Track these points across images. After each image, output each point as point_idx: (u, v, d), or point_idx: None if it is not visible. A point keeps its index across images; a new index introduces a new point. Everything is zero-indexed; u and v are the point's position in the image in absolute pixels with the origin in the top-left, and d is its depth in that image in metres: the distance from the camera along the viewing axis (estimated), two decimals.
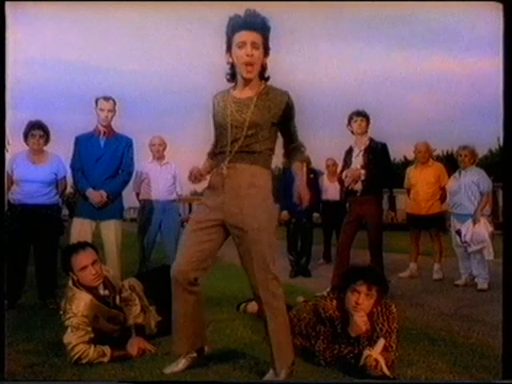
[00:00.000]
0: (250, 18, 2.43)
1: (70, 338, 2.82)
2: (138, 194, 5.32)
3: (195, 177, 2.62)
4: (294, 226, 6.39)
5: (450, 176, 5.77)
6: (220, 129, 2.56)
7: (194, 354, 2.69)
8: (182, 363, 2.66)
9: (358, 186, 4.70)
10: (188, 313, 2.62)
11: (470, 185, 5.30)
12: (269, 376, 2.52)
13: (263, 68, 2.51)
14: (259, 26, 2.44)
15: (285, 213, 6.40)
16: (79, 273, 2.92)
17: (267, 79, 2.56)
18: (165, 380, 2.61)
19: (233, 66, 2.51)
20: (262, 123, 2.49)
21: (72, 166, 4.32)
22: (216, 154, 2.62)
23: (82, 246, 3.04)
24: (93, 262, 2.94)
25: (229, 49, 2.50)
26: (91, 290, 2.94)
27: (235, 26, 2.45)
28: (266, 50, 2.49)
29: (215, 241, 2.56)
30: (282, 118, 2.53)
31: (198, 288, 2.60)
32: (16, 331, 3.36)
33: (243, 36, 2.42)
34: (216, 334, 3.08)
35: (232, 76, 2.55)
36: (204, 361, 2.74)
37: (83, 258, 2.93)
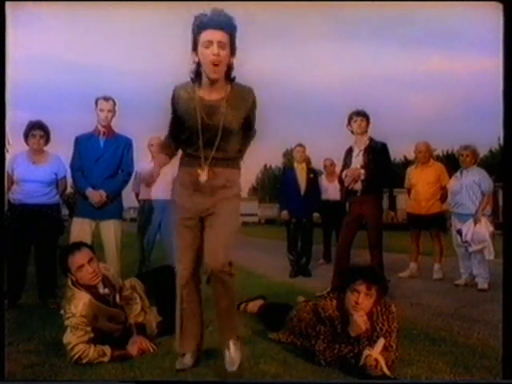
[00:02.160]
0: (216, 17, 2.40)
1: (69, 338, 2.83)
2: (137, 194, 5.32)
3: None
4: (294, 226, 6.38)
5: (450, 176, 5.77)
6: (188, 130, 2.59)
7: (197, 352, 2.78)
8: (189, 359, 2.74)
9: (358, 186, 4.69)
10: (195, 312, 2.76)
11: (472, 184, 5.31)
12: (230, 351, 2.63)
13: (229, 68, 2.49)
14: (226, 25, 2.40)
15: (285, 213, 6.40)
16: (77, 273, 2.93)
17: (233, 79, 2.55)
18: (165, 380, 2.62)
19: (198, 66, 2.48)
20: (234, 126, 2.55)
21: (72, 166, 4.32)
22: (186, 154, 2.68)
23: (77, 246, 3.05)
24: (89, 261, 2.95)
25: (195, 48, 2.46)
26: (90, 289, 2.94)
27: (201, 25, 2.41)
28: (233, 50, 2.47)
29: (200, 234, 2.67)
30: (249, 115, 2.61)
31: (201, 286, 2.76)
32: (16, 331, 3.35)
33: (209, 35, 2.39)
34: (216, 334, 3.08)
35: (196, 75, 2.52)
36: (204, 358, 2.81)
37: (79, 258, 2.94)
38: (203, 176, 2.57)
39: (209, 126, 2.53)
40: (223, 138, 2.55)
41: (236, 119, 2.55)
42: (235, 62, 2.51)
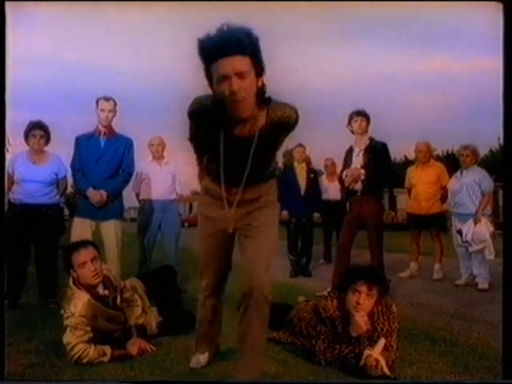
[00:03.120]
0: (227, 38, 1.84)
1: (69, 338, 2.83)
2: (137, 194, 5.32)
3: None
4: (294, 226, 6.39)
5: (450, 176, 5.77)
6: (211, 156, 2.25)
7: (213, 354, 2.82)
8: (204, 359, 2.76)
9: (358, 186, 4.69)
10: (216, 318, 2.78)
11: (472, 184, 5.31)
12: None
13: (259, 92, 1.99)
14: (244, 47, 1.86)
15: (285, 213, 6.39)
16: (79, 270, 2.92)
17: (268, 101, 2.05)
18: (165, 380, 2.62)
19: (220, 102, 1.96)
20: (267, 155, 2.23)
21: (72, 166, 4.33)
22: (211, 169, 2.33)
23: (83, 243, 3.05)
24: (92, 259, 2.94)
25: (209, 80, 1.96)
26: (90, 289, 2.94)
27: (211, 54, 1.88)
28: (259, 71, 1.96)
29: (229, 247, 2.54)
30: (286, 133, 2.19)
31: (223, 295, 2.76)
32: (16, 331, 3.35)
33: (223, 67, 1.86)
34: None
35: (220, 111, 1.99)
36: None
37: (83, 255, 2.94)
38: (230, 226, 2.32)
39: (237, 161, 2.16)
40: (252, 170, 2.18)
41: (272, 148, 2.22)
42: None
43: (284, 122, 2.09)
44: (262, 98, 2.03)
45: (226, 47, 1.84)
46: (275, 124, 2.08)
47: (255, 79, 1.94)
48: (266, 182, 2.37)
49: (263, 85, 2.00)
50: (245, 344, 2.34)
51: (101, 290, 2.98)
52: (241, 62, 1.86)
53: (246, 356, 2.35)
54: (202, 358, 2.75)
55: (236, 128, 2.09)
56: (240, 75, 1.87)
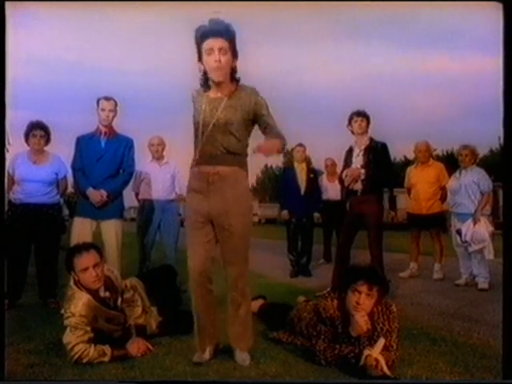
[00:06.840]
0: (215, 26, 2.61)
1: (69, 337, 2.83)
2: (137, 194, 5.31)
3: None
4: (294, 226, 6.39)
5: (450, 175, 5.77)
6: (196, 127, 2.79)
7: (215, 348, 2.91)
8: (207, 354, 2.84)
9: (358, 186, 4.69)
10: (209, 309, 2.87)
11: (471, 184, 5.30)
12: (237, 355, 2.82)
13: (233, 70, 2.72)
14: (225, 33, 2.62)
15: (285, 212, 6.39)
16: (80, 274, 2.92)
17: (238, 80, 2.76)
18: (165, 380, 2.62)
19: (205, 73, 2.71)
20: (233, 121, 2.71)
21: (73, 166, 4.32)
22: (194, 157, 2.83)
23: (86, 247, 3.01)
24: (94, 265, 2.92)
25: (200, 57, 2.69)
26: (91, 291, 2.93)
27: (202, 35, 2.63)
28: (234, 54, 2.69)
29: (212, 238, 2.82)
30: (255, 115, 2.74)
31: (212, 286, 2.87)
32: (16, 331, 3.35)
33: (210, 43, 2.62)
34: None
35: (205, 82, 2.75)
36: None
37: (85, 260, 2.92)
38: (210, 177, 2.72)
39: (209, 120, 2.71)
40: (222, 132, 2.71)
41: (235, 116, 2.71)
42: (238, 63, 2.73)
43: (245, 99, 2.72)
44: (234, 76, 2.73)
45: (214, 30, 2.60)
46: (239, 97, 2.72)
47: (231, 58, 2.67)
48: (236, 167, 2.75)
49: (235, 66, 2.71)
50: (233, 323, 2.85)
51: (102, 293, 2.97)
52: (223, 42, 2.62)
53: (235, 333, 2.86)
54: (205, 354, 2.83)
55: (214, 92, 2.75)
56: (221, 51, 2.61)
